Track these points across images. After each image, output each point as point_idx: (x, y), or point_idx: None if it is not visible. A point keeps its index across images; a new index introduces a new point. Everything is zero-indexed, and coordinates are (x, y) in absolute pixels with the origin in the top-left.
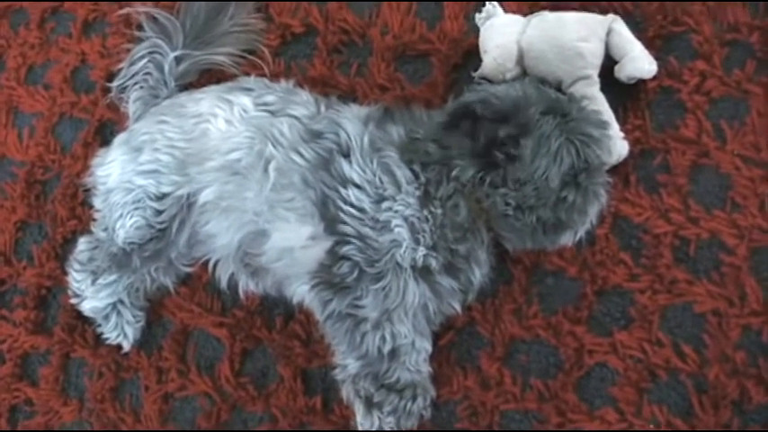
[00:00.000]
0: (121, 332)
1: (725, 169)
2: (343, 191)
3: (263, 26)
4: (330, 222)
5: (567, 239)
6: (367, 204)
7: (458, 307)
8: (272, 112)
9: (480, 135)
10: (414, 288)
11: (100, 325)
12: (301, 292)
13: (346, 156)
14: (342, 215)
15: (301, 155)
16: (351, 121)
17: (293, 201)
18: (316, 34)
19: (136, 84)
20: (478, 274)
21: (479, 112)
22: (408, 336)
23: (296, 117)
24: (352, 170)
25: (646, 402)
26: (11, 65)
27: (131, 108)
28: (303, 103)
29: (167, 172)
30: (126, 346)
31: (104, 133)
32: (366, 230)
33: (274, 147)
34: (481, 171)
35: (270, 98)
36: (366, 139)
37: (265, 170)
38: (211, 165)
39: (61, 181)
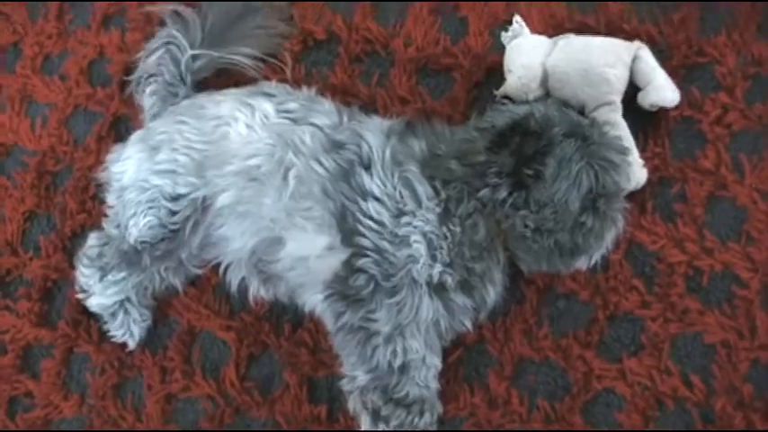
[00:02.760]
0: (128, 330)
1: (742, 202)
2: (362, 203)
3: (288, 31)
4: (348, 234)
5: (582, 264)
6: (386, 218)
7: (469, 325)
8: (293, 120)
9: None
10: (428, 304)
11: (106, 322)
12: (313, 301)
13: (367, 168)
14: (360, 228)
15: (322, 165)
16: (373, 133)
17: (311, 210)
18: (338, 42)
19: (151, 76)
20: (492, 294)
21: (533, 128)
22: (420, 351)
23: (318, 126)
24: (372, 183)
25: (651, 430)
26: (27, 53)
27: (146, 101)
28: (325, 112)
29: (184, 173)
30: (131, 345)
31: (119, 128)
32: (384, 244)
33: (295, 155)
34: (511, 190)
35: (292, 105)
36: (388, 153)
37: (285, 178)
38: (230, 169)
39: (73, 173)
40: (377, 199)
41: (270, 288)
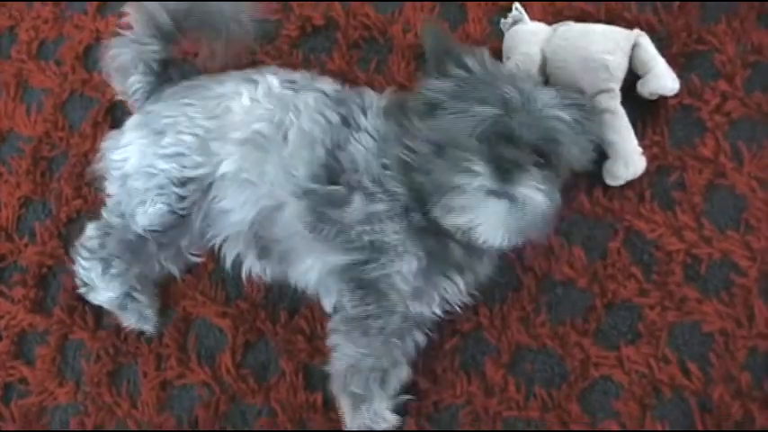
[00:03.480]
0: (141, 317)
1: (740, 190)
2: (355, 134)
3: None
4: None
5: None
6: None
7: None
8: (296, 90)
9: None
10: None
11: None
12: (307, 274)
13: (365, 112)
14: (348, 164)
15: (326, 117)
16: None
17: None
18: (336, 28)
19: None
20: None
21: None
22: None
23: (322, 90)
24: (367, 122)
25: (649, 418)
26: (23, 38)
27: (131, 89)
28: (329, 82)
29: (190, 153)
30: (150, 330)
31: (115, 114)
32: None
33: (296, 116)
34: None
35: (296, 76)
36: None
37: (285, 138)
38: (233, 136)
39: (68, 159)
40: (369, 134)
41: (264, 264)
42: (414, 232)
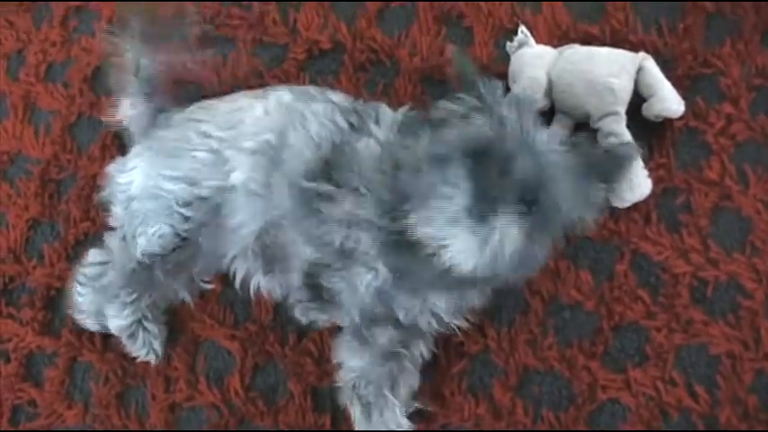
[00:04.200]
0: (150, 348)
1: (746, 213)
2: (365, 138)
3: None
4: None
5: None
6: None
7: None
8: (306, 101)
9: None
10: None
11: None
12: None
13: (378, 123)
14: (350, 163)
15: (336, 123)
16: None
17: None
18: (343, 51)
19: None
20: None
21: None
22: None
23: (333, 101)
24: (379, 132)
25: None
26: (31, 60)
27: (129, 112)
28: (342, 95)
29: (202, 170)
30: (154, 362)
31: (123, 136)
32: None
33: (302, 123)
34: None
35: (309, 89)
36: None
37: (287, 144)
38: (245, 146)
39: (77, 182)
40: (378, 143)
41: (270, 278)
42: (389, 247)
